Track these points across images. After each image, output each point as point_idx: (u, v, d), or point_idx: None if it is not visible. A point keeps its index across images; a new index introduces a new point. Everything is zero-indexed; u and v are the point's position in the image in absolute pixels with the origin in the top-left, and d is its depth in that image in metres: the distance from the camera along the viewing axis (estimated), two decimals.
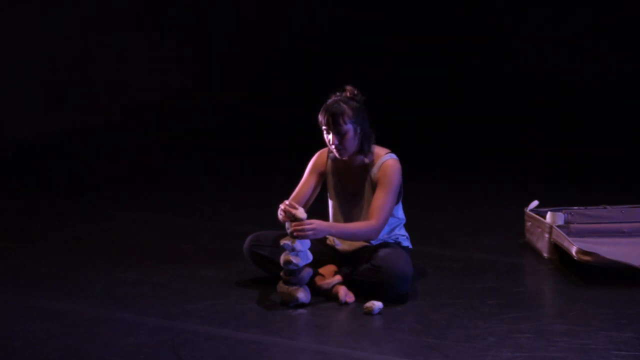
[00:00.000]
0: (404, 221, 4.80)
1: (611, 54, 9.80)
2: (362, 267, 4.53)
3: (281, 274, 4.46)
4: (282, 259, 4.42)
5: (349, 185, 4.72)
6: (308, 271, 4.45)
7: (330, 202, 4.82)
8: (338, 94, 4.64)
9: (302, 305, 4.41)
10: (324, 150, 4.80)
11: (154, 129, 10.17)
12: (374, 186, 4.62)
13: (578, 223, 5.47)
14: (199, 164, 8.67)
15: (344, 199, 4.74)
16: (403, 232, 4.79)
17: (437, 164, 8.49)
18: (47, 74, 10.02)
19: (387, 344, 4.04)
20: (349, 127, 4.54)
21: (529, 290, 4.86)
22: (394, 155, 4.66)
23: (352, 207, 4.71)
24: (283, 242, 4.41)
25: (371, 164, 4.65)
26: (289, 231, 4.40)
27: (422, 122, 9.95)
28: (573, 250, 4.82)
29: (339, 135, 4.54)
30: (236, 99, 10.86)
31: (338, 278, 4.57)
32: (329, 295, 4.52)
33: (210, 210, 6.70)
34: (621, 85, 9.60)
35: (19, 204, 6.96)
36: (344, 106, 4.55)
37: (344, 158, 4.63)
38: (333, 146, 4.58)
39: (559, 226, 5.27)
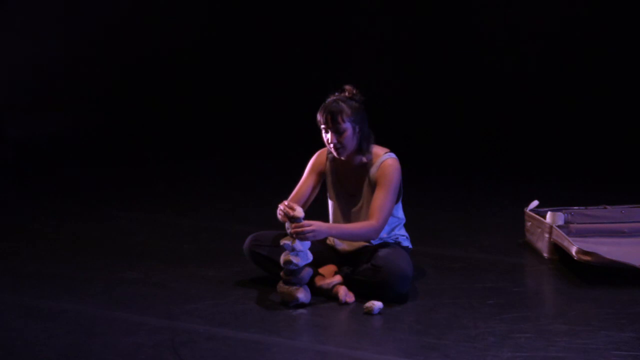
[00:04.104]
0: (403, 221, 4.80)
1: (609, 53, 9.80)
2: (362, 267, 4.53)
3: (281, 274, 4.46)
4: (282, 259, 4.43)
5: (349, 185, 4.72)
6: (308, 271, 4.45)
7: (329, 202, 4.82)
8: (337, 93, 4.64)
9: (302, 305, 4.41)
10: (323, 150, 4.80)
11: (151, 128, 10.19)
12: (373, 186, 4.62)
13: (578, 223, 5.47)
14: (199, 165, 8.68)
15: (344, 198, 4.74)
16: (403, 232, 4.79)
17: (437, 164, 8.49)
18: (47, 74, 10.02)
19: (387, 344, 4.04)
20: (347, 126, 4.54)
21: (529, 290, 4.86)
22: (393, 155, 4.66)
23: (351, 207, 4.71)
24: (283, 242, 4.41)
25: (370, 163, 4.65)
26: (289, 231, 4.41)
27: (422, 121, 9.94)
28: (573, 250, 4.82)
29: (338, 133, 4.54)
30: (234, 98, 10.87)
31: (338, 278, 4.57)
32: (329, 295, 4.52)
33: (210, 210, 6.70)
34: (620, 85, 9.60)
35: (19, 204, 6.96)
36: (343, 105, 4.55)
37: (342, 157, 4.63)
38: (332, 145, 4.58)
39: (559, 226, 5.27)
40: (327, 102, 4.60)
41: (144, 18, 10.71)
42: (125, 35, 10.60)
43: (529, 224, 5.55)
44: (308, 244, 4.43)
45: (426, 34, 10.57)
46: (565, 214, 5.45)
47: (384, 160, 4.62)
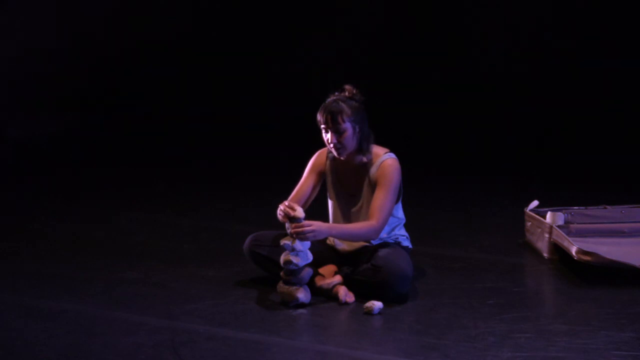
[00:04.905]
0: (403, 221, 4.80)
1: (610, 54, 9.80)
2: (362, 267, 4.54)
3: (281, 274, 4.46)
4: (282, 259, 4.43)
5: (348, 185, 4.72)
6: (308, 271, 4.45)
7: (329, 202, 4.82)
8: (337, 93, 4.64)
9: (302, 305, 4.41)
10: (323, 150, 4.80)
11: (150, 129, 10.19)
12: (373, 186, 4.62)
13: (578, 223, 5.47)
14: (199, 165, 8.68)
15: (344, 198, 4.74)
16: (403, 232, 4.79)
17: (437, 164, 8.49)
18: (46, 74, 10.02)
19: (387, 344, 4.04)
20: (347, 126, 4.54)
21: (529, 290, 4.86)
22: (393, 155, 4.66)
23: (351, 207, 4.71)
24: (283, 242, 4.41)
25: (370, 163, 4.65)
26: (289, 231, 4.41)
27: (422, 121, 9.94)
28: (573, 250, 4.82)
29: (338, 133, 4.54)
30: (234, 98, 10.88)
31: (338, 278, 4.57)
32: (329, 295, 4.52)
33: (210, 210, 6.70)
34: (620, 85, 9.60)
35: (19, 204, 6.96)
36: (343, 105, 4.55)
37: (342, 157, 4.63)
38: (331, 145, 4.58)
39: (559, 226, 5.27)
40: (327, 102, 4.60)
41: (145, 14, 10.71)
42: (125, 33, 10.61)
43: (529, 224, 5.55)
44: (308, 244, 4.43)
45: (426, 32, 10.58)
46: (565, 214, 5.45)
47: (384, 160, 4.62)
